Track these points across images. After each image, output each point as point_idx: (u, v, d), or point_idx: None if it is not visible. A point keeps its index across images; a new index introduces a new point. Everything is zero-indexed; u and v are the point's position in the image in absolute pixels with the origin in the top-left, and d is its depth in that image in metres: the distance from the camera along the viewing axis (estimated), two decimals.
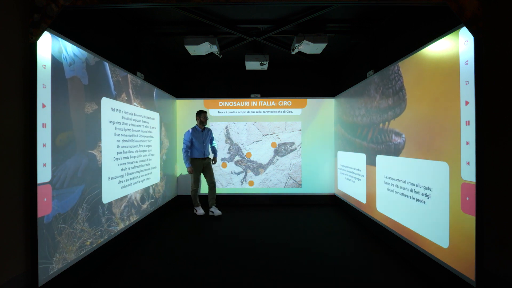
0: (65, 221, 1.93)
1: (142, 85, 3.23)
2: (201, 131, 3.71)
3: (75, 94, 2.04)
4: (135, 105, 3.03)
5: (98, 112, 2.33)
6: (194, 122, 4.38)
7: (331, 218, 3.68)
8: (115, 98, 2.62)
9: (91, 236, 2.21)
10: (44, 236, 1.74)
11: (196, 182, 3.77)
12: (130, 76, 2.93)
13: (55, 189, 1.84)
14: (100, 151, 2.35)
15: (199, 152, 3.68)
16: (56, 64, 1.87)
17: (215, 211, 3.73)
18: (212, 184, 3.81)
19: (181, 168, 4.50)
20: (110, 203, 2.49)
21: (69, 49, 1.99)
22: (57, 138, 1.86)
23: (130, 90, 2.94)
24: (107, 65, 2.48)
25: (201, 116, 3.70)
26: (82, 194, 2.11)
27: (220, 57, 3.77)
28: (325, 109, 4.45)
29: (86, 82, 2.18)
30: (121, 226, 2.67)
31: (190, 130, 3.67)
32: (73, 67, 2.02)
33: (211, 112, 4.47)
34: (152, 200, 3.48)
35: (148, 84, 3.40)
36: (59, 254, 1.87)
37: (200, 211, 3.79)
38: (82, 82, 2.13)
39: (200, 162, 3.70)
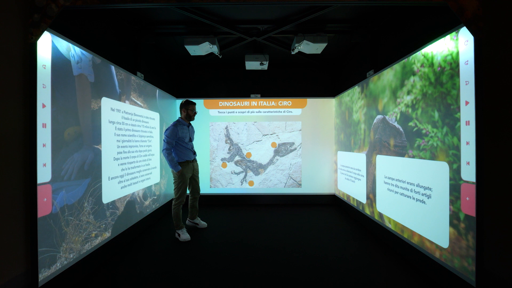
0: (71, 213, 1.98)
1: (145, 85, 3.25)
2: (187, 126, 3.01)
3: (82, 91, 2.11)
4: (138, 104, 3.04)
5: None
6: (194, 123, 4.38)
7: (331, 218, 3.68)
8: (120, 95, 2.66)
9: (96, 228, 2.26)
10: (51, 226, 1.80)
11: (183, 192, 2.92)
12: (133, 76, 2.96)
13: (63, 181, 1.90)
14: None
15: (189, 153, 2.99)
16: (65, 61, 1.93)
17: (200, 222, 3.25)
18: (198, 195, 3.19)
19: None
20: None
21: (77, 47, 2.06)
22: (65, 132, 1.93)
23: (134, 89, 2.96)
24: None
25: (189, 108, 2.98)
26: (88, 187, 2.17)
27: (220, 57, 3.77)
28: (325, 109, 4.45)
29: (93, 79, 2.24)
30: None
31: (173, 127, 2.86)
32: (80, 65, 2.09)
33: (211, 112, 4.47)
34: (154, 197, 3.50)
35: (150, 84, 3.41)
36: (66, 244, 1.93)
37: (184, 235, 2.84)
38: (88, 80, 2.19)
39: (191, 165, 3.02)
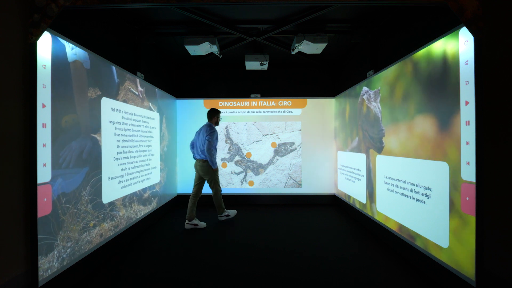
0: (69, 201, 1.97)
1: (143, 84, 3.25)
2: None
3: (78, 78, 2.08)
4: (137, 95, 3.03)
5: (101, 97, 2.37)
6: (195, 123, 4.40)
7: (331, 218, 3.68)
8: (118, 85, 2.64)
9: (94, 218, 2.25)
10: (49, 213, 1.79)
11: (219, 183, 3.47)
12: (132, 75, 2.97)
13: (61, 169, 1.89)
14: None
15: (216, 153, 3.40)
16: (59, 46, 1.90)
17: (199, 223, 3.30)
18: (200, 194, 3.46)
19: (181, 169, 4.49)
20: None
21: None
22: (63, 120, 1.91)
23: (133, 80, 2.97)
24: None
25: (219, 116, 3.48)
26: (86, 176, 2.15)
27: (220, 57, 3.77)
28: (325, 109, 4.45)
29: (88, 66, 2.20)
30: (123, 212, 2.71)
31: (215, 129, 3.32)
32: (75, 51, 2.06)
33: None
34: (155, 196, 3.51)
35: (150, 84, 3.41)
36: (64, 232, 1.92)
37: (231, 211, 3.58)
38: (84, 67, 2.15)
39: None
